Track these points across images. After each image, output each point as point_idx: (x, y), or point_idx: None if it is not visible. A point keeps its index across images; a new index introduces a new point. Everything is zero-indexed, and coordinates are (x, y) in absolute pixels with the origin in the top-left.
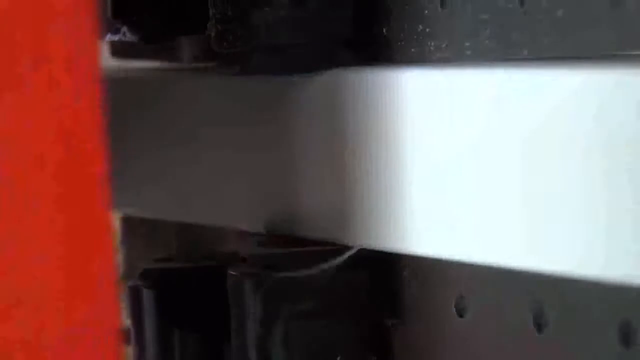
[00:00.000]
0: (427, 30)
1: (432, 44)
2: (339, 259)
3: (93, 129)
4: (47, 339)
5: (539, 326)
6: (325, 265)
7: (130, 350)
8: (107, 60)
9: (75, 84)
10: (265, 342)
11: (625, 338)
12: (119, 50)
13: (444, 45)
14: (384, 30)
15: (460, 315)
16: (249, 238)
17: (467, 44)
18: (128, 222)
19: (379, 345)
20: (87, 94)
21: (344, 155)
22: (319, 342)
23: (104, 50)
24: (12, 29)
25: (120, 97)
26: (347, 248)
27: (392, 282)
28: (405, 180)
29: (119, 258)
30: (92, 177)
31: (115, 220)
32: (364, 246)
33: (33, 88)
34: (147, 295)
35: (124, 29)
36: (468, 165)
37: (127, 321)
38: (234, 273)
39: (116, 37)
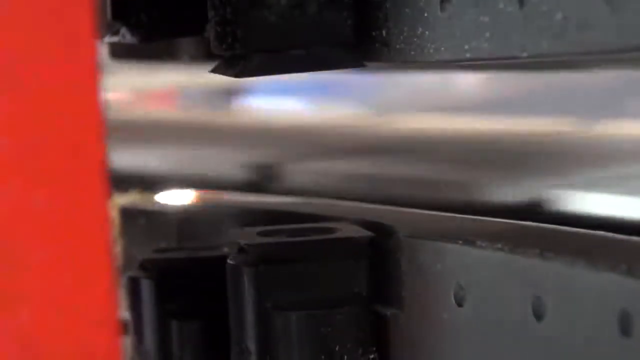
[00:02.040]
0: (427, 32)
1: (432, 46)
2: (338, 249)
3: (92, 122)
4: (45, 330)
5: (538, 315)
6: (324, 256)
7: (129, 341)
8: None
9: (74, 83)
10: (264, 332)
11: (625, 327)
12: (118, 52)
13: (443, 48)
14: (384, 32)
15: (460, 305)
16: (248, 228)
17: (467, 46)
18: (127, 213)
19: (377, 335)
20: (86, 90)
21: None
22: (317, 332)
23: (103, 51)
24: (11, 30)
25: None
26: (346, 238)
27: (391, 271)
28: None
29: (118, 248)
30: (91, 168)
31: (114, 210)
32: None
33: (32, 86)
34: (146, 286)
35: (123, 30)
36: None
37: (126, 312)
38: (232, 263)
39: (115, 39)
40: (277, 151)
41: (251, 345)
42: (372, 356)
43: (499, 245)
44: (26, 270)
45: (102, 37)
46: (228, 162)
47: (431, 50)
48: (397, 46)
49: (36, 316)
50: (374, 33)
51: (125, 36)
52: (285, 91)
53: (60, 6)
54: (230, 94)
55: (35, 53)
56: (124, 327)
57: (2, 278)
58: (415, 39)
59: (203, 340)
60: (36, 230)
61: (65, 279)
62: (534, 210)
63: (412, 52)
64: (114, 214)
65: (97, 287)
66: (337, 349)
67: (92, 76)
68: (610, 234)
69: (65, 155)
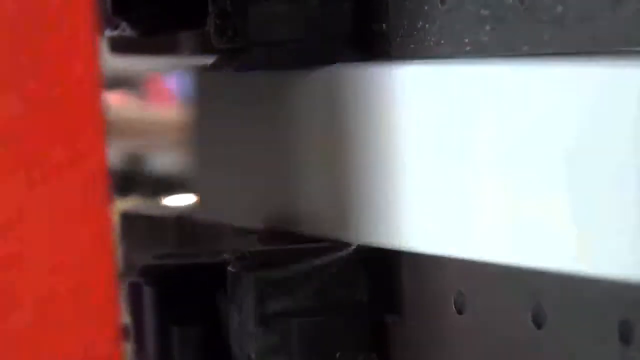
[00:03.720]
0: (427, 26)
1: (432, 39)
2: (338, 256)
3: (92, 125)
4: (47, 336)
5: (538, 323)
6: (324, 262)
7: (129, 347)
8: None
9: (75, 80)
10: (265, 339)
11: (625, 335)
12: (118, 46)
13: (443, 41)
14: (384, 26)
15: (460, 312)
16: (248, 235)
17: (467, 39)
18: (127, 218)
19: (378, 342)
20: (86, 90)
21: (343, 152)
22: (318, 339)
23: (103, 45)
24: (12, 27)
25: None
26: (346, 245)
27: (391, 278)
28: (403, 177)
29: (119, 254)
30: (92, 173)
31: (114, 216)
32: (362, 243)
33: (32, 86)
34: (147, 292)
35: (123, 24)
36: (465, 162)
37: (126, 318)
38: (233, 270)
39: (115, 33)
40: None
41: (252, 351)
42: None
43: None
44: (27, 276)
45: (102, 31)
46: None
47: (431, 44)
48: (397, 40)
49: (37, 322)
50: (374, 27)
51: (126, 30)
52: None
53: (61, 1)
54: None
55: (37, 52)
56: (124, 333)
57: (3, 283)
58: (415, 33)
59: (203, 346)
60: (38, 234)
61: (66, 284)
62: None
63: (412, 46)
64: (115, 219)
65: (99, 292)
66: (337, 355)
67: (93, 74)
68: None
69: (67, 158)
